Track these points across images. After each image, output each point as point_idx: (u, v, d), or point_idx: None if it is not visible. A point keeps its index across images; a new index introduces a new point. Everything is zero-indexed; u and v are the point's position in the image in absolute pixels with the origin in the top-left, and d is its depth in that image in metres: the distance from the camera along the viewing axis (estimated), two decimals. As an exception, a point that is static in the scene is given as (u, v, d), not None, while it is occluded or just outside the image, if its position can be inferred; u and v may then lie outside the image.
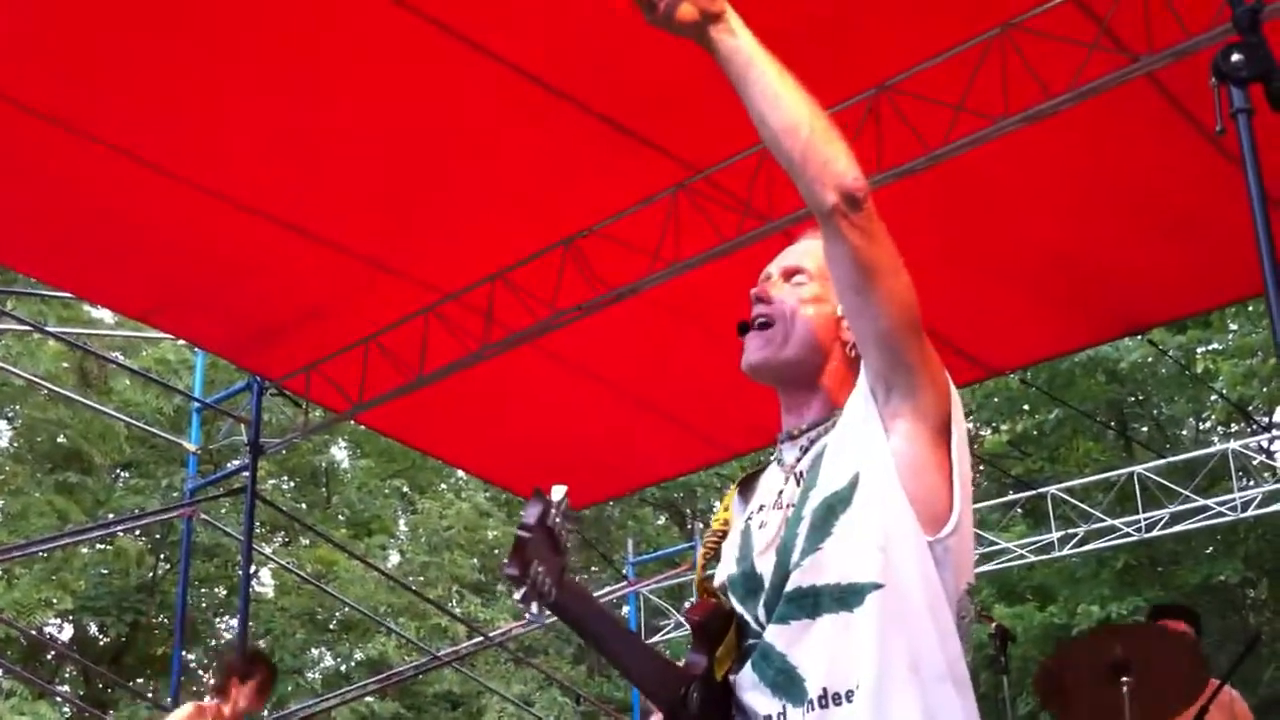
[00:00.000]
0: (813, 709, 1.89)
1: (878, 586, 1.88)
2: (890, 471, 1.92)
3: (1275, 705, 16.65)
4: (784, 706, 1.93)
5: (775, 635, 1.96)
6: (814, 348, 2.12)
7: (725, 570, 2.12)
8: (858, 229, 1.93)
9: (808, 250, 2.22)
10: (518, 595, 1.71)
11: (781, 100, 1.98)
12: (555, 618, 1.78)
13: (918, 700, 1.84)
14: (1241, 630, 19.09)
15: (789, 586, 1.95)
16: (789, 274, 2.21)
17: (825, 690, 1.88)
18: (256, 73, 5.73)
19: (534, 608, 1.72)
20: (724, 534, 2.20)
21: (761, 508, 2.12)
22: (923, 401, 1.94)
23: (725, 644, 2.03)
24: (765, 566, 2.01)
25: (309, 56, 5.65)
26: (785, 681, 1.93)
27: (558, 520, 1.75)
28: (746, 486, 2.24)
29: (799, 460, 2.10)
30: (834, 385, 2.11)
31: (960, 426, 1.97)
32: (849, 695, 1.86)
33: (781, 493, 2.09)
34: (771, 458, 2.22)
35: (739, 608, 2.06)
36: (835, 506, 1.94)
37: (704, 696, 1.97)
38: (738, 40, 1.95)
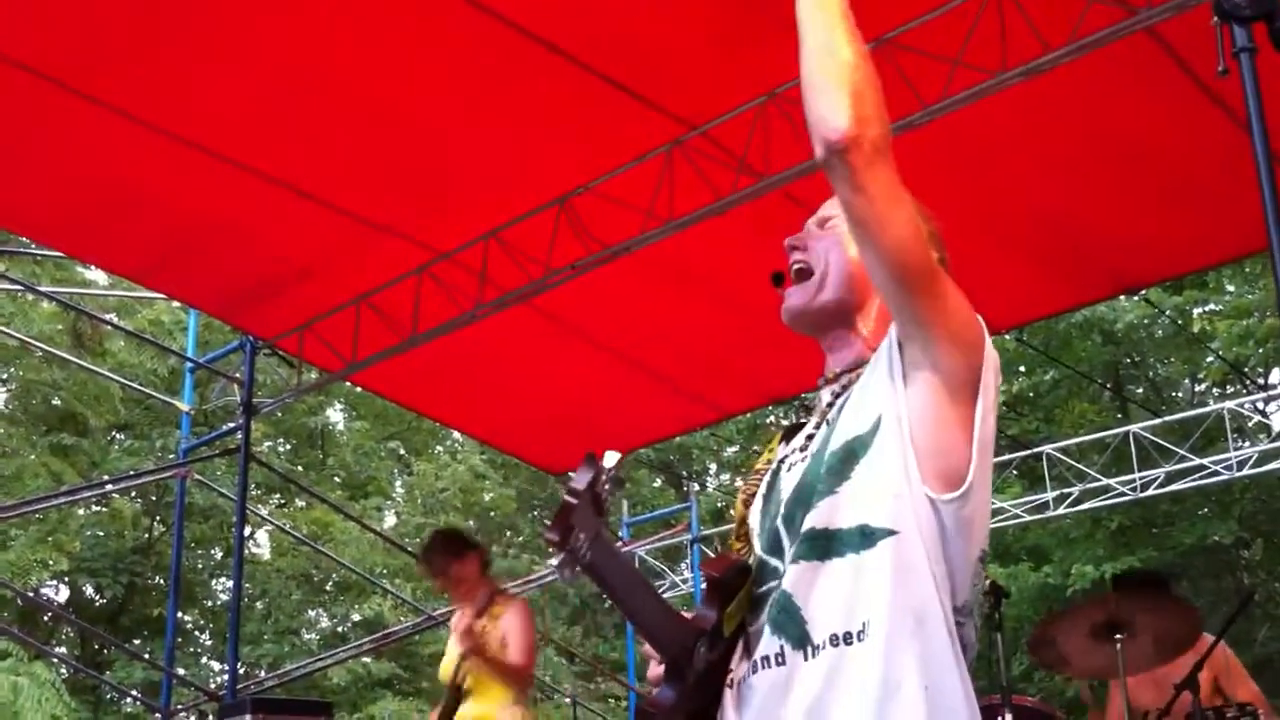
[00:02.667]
0: (815, 653, 1.87)
1: (891, 533, 1.85)
2: (903, 422, 1.88)
3: (1269, 664, 16.75)
4: (781, 647, 1.91)
5: (787, 576, 1.93)
6: (850, 289, 2.09)
7: (754, 514, 2.11)
8: (843, 181, 1.84)
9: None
10: (555, 561, 1.70)
11: (809, 24, 1.98)
12: (585, 578, 1.76)
13: (919, 654, 1.81)
14: (1235, 590, 19.17)
15: (805, 527, 1.92)
16: (823, 221, 2.18)
17: (831, 634, 1.86)
18: (250, 31, 5.66)
19: (567, 573, 1.71)
20: (764, 474, 2.18)
21: (794, 451, 2.10)
22: (941, 357, 1.89)
23: (738, 601, 2.01)
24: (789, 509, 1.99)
25: (302, 14, 5.58)
26: (786, 621, 1.91)
27: (606, 487, 1.73)
28: (791, 432, 2.20)
29: (831, 405, 2.07)
30: (871, 328, 2.09)
31: (990, 391, 1.91)
32: (858, 635, 1.83)
33: (812, 437, 2.07)
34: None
35: (761, 552, 2.04)
36: (855, 450, 1.91)
37: (710, 650, 1.97)
38: None
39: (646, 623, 1.92)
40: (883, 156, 1.85)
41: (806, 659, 1.87)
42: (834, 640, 1.85)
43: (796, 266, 2.13)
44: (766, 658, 1.93)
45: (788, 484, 2.04)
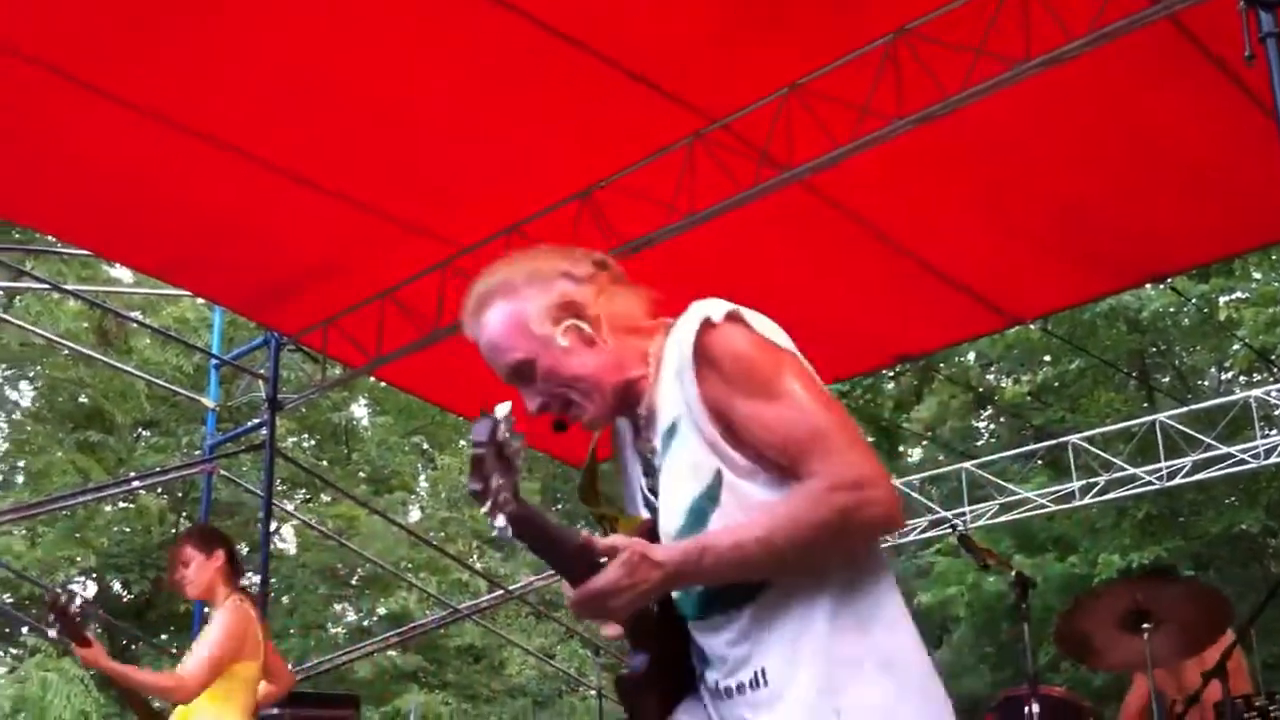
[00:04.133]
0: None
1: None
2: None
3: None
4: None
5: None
6: (601, 378, 2.15)
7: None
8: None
9: (499, 342, 2.21)
10: (483, 510, 1.76)
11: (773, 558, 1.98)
12: (517, 532, 1.81)
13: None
14: (1263, 579, 19.06)
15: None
16: (521, 375, 2.20)
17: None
18: (272, 27, 5.67)
19: (499, 520, 1.77)
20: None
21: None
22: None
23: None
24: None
25: (326, 9, 5.59)
26: None
27: (506, 435, 1.75)
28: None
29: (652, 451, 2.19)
30: (632, 366, 2.17)
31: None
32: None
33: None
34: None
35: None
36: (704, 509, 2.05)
37: (661, 611, 2.05)
38: (696, 567, 1.96)
39: (585, 578, 1.95)
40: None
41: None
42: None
43: (570, 418, 2.20)
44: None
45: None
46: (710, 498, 2.03)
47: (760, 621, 2.00)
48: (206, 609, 5.61)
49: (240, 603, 5.26)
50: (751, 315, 2.07)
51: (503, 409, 1.78)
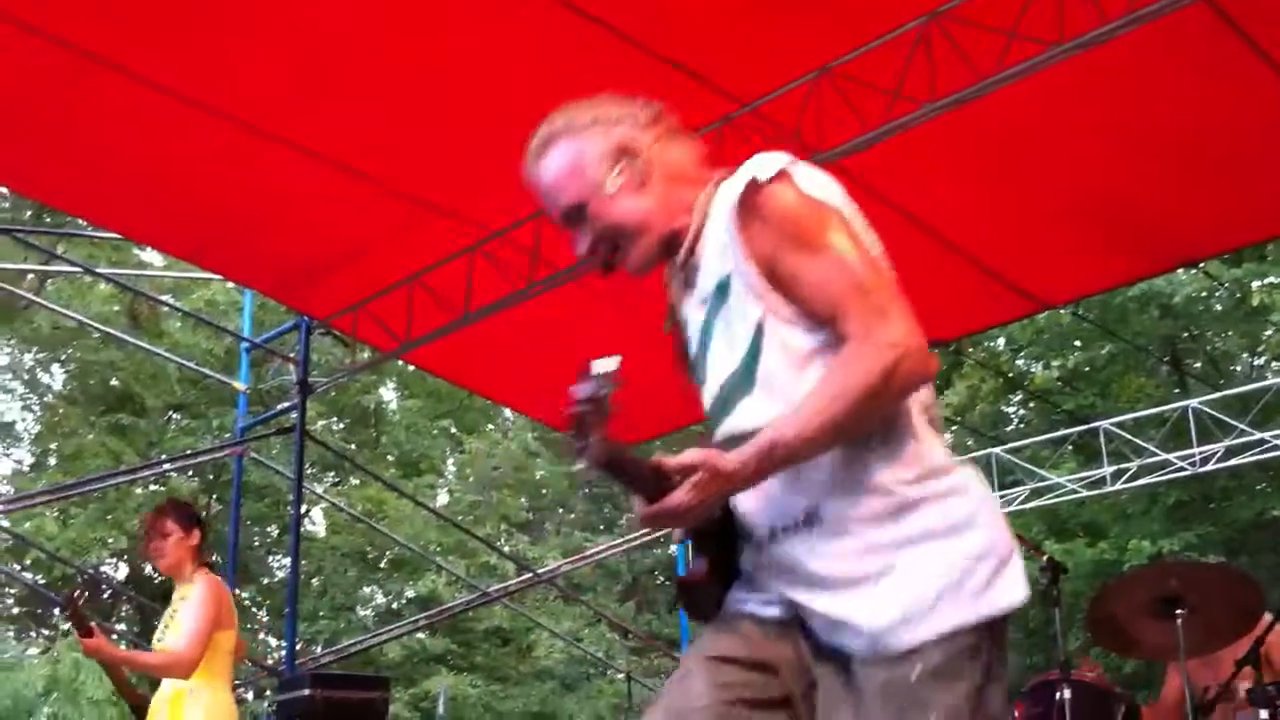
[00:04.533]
0: None
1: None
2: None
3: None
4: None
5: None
6: (649, 222, 2.22)
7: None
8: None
9: (553, 183, 2.28)
10: (580, 465, 1.91)
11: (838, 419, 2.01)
12: (603, 474, 1.95)
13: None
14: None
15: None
16: (571, 218, 2.27)
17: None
18: (305, 10, 5.68)
19: (590, 471, 1.92)
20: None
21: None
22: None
23: None
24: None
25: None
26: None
27: (606, 391, 1.91)
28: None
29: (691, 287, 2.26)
30: (679, 215, 2.22)
31: None
32: None
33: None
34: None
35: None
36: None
37: (720, 510, 2.16)
38: (769, 464, 2.02)
39: (659, 497, 2.05)
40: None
41: None
42: None
43: (608, 261, 2.29)
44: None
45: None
46: (755, 350, 2.11)
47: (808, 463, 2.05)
48: (238, 590, 5.63)
49: (210, 574, 5.36)
50: (802, 172, 2.11)
51: (605, 364, 1.95)
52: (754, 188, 2.07)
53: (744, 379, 2.13)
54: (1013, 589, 2.03)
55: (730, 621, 2.18)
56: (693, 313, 2.27)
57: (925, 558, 2.00)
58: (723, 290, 2.14)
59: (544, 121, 2.32)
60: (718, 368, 2.19)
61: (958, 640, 1.98)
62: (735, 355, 2.14)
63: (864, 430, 2.02)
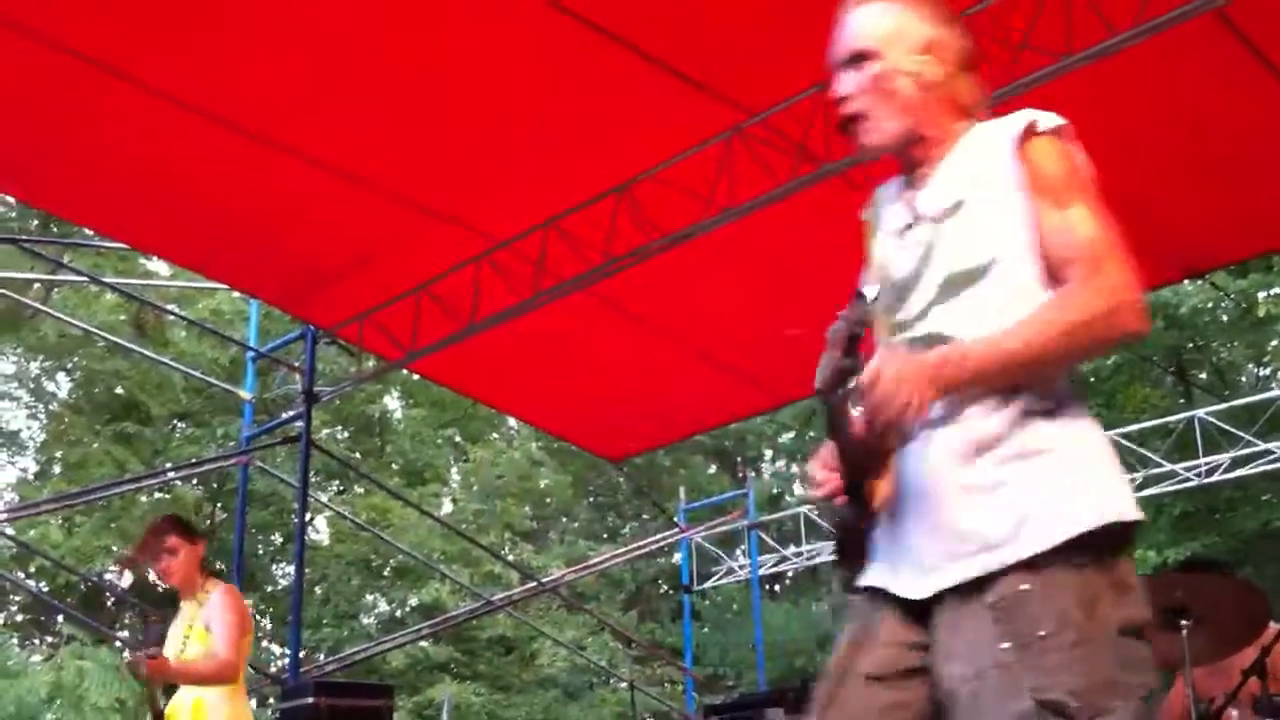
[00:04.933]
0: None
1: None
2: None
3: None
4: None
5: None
6: (907, 114, 2.33)
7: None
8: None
9: (860, 27, 2.39)
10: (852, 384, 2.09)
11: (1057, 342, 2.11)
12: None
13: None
14: (1300, 577, 18.90)
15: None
16: (854, 60, 2.38)
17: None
18: (310, 20, 5.69)
19: (840, 392, 2.12)
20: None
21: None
22: None
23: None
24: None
25: (363, 3, 5.61)
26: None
27: (859, 327, 2.15)
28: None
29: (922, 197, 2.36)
30: (932, 128, 2.35)
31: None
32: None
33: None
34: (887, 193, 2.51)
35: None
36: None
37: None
38: (982, 359, 2.11)
39: (844, 447, 2.22)
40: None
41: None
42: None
43: (851, 116, 2.39)
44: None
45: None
46: (977, 274, 2.20)
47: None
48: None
49: (225, 583, 5.45)
50: (1071, 133, 2.25)
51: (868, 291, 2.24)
52: (1033, 130, 2.22)
53: (948, 297, 2.23)
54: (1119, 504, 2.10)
55: (868, 622, 2.28)
56: (909, 229, 2.36)
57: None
58: (957, 209, 2.25)
59: None
60: (928, 281, 2.27)
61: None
62: (949, 270, 2.23)
63: (1061, 366, 2.15)
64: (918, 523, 2.19)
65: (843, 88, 2.38)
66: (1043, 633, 1.99)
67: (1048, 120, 2.23)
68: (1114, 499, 2.08)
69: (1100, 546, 2.04)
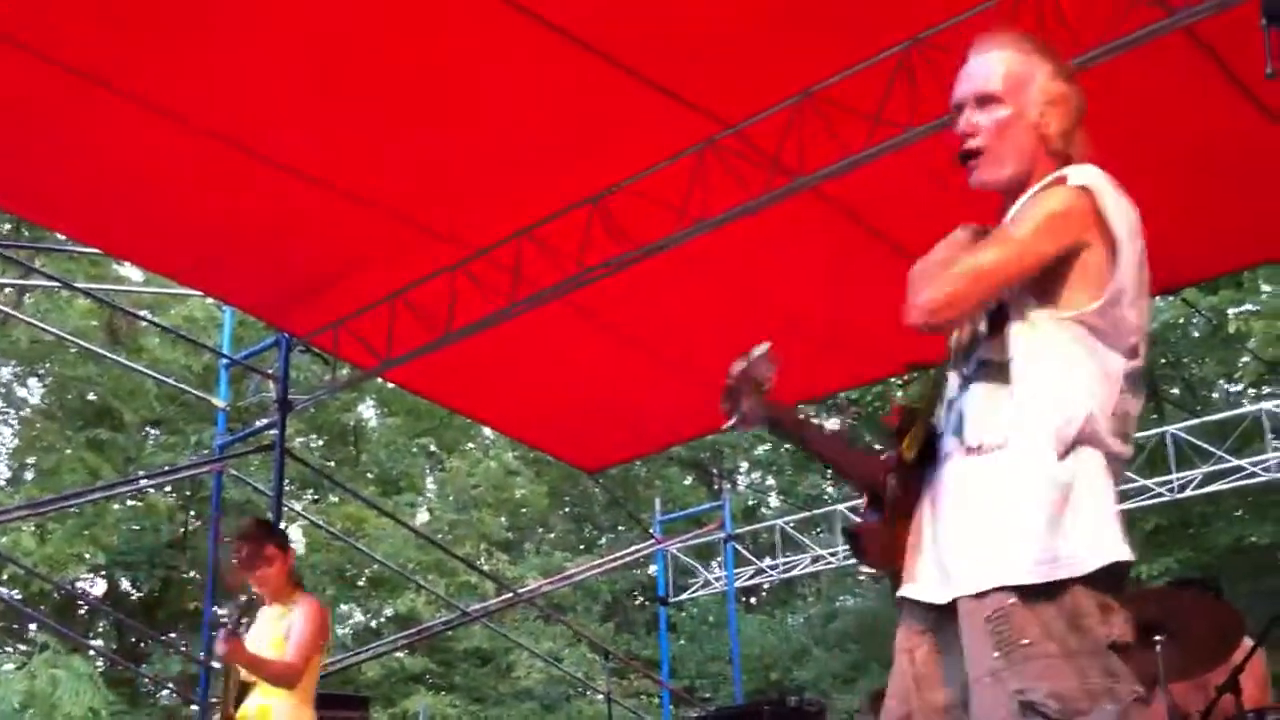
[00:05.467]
0: (970, 451, 2.41)
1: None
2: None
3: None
4: (954, 443, 2.47)
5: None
6: (1022, 160, 2.53)
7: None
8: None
9: (992, 70, 2.57)
10: (730, 424, 2.59)
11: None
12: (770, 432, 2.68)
13: (1051, 458, 2.31)
14: (1272, 593, 18.98)
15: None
16: (982, 101, 2.56)
17: (978, 440, 2.40)
18: (285, 27, 5.69)
19: (742, 428, 2.61)
20: None
21: None
22: None
23: (911, 434, 2.58)
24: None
25: (338, 12, 5.60)
26: (958, 422, 2.47)
27: (760, 368, 2.55)
28: None
29: None
30: (1038, 177, 2.52)
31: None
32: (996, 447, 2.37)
33: None
34: None
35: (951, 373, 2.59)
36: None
37: (898, 478, 2.56)
38: None
39: (843, 465, 2.76)
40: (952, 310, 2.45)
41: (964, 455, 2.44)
42: (974, 449, 2.42)
43: (970, 151, 2.58)
44: (946, 454, 2.49)
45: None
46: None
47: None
48: (216, 607, 5.67)
49: (312, 597, 5.65)
50: (1101, 189, 2.42)
51: (759, 349, 2.58)
52: (1061, 179, 2.43)
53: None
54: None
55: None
56: None
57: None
58: None
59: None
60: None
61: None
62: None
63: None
64: (943, 535, 2.45)
65: (967, 124, 2.56)
66: (1026, 641, 2.22)
67: (1079, 176, 2.41)
68: (1107, 542, 2.28)
69: (1092, 577, 2.25)
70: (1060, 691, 2.19)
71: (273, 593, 5.58)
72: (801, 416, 2.64)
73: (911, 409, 2.67)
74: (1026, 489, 2.30)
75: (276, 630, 5.41)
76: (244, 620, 5.44)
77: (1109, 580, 2.27)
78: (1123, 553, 2.28)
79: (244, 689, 5.36)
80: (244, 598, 5.47)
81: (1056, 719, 2.18)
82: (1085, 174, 2.41)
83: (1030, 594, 2.24)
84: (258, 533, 5.75)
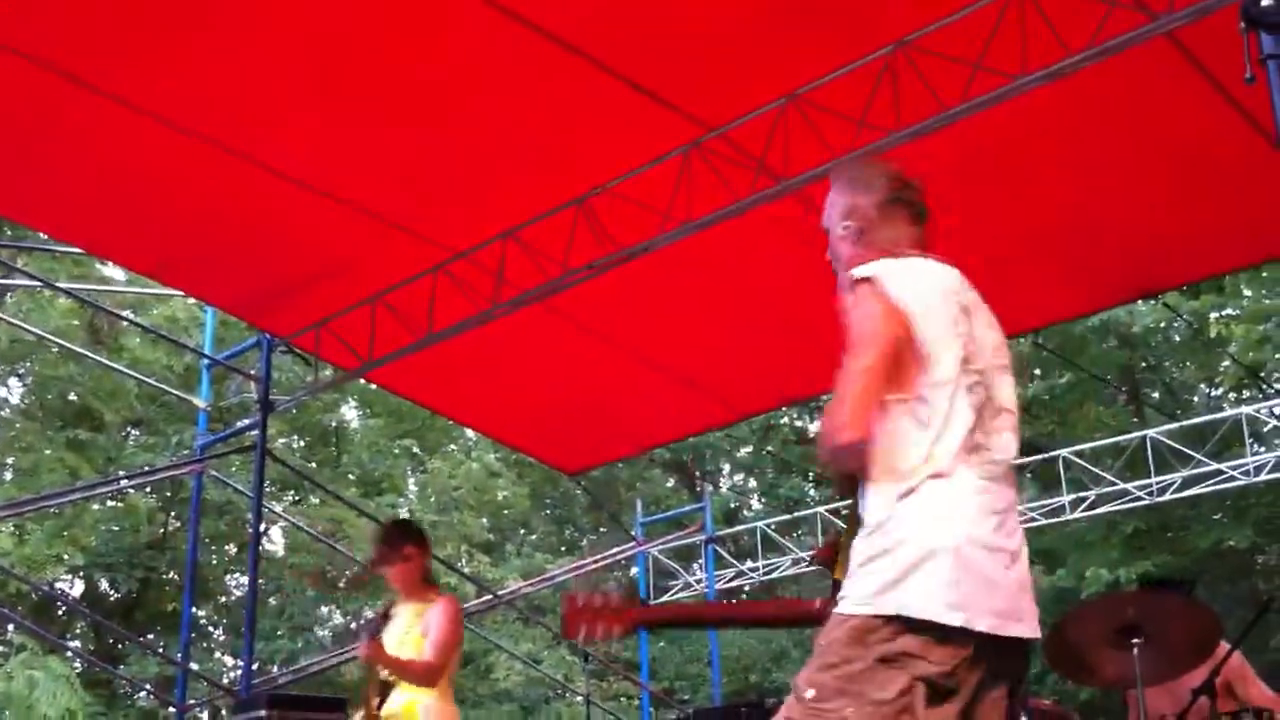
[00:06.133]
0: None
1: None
2: None
3: (1282, 670, 16.64)
4: None
5: None
6: (844, 264, 3.02)
7: None
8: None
9: (825, 206, 3.13)
10: (581, 642, 2.78)
11: None
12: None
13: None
14: (1250, 596, 19.09)
15: None
16: (823, 230, 3.18)
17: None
18: (270, 29, 5.67)
19: (593, 642, 2.81)
20: None
21: None
22: None
23: (840, 560, 2.90)
24: None
25: (322, 12, 5.59)
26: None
27: (605, 585, 2.39)
28: None
29: None
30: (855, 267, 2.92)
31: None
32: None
33: None
34: None
35: None
36: None
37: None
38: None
39: (767, 619, 3.25)
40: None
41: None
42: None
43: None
44: None
45: None
46: None
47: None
48: (195, 609, 5.64)
49: (450, 596, 5.68)
50: (878, 277, 2.73)
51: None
52: (852, 280, 2.77)
53: None
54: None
55: None
56: None
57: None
58: None
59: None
60: None
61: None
62: None
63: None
64: None
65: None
66: (822, 642, 2.57)
67: (860, 270, 2.77)
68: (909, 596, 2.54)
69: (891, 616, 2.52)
70: (810, 679, 2.57)
71: (408, 590, 5.58)
72: (678, 607, 2.81)
73: (838, 539, 2.94)
74: None
75: (413, 629, 5.44)
76: (382, 621, 5.41)
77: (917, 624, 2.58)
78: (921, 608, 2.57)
79: (385, 688, 5.38)
80: (381, 605, 5.52)
81: (795, 694, 2.60)
82: (860, 269, 2.80)
83: (842, 610, 2.65)
84: (396, 531, 5.79)
